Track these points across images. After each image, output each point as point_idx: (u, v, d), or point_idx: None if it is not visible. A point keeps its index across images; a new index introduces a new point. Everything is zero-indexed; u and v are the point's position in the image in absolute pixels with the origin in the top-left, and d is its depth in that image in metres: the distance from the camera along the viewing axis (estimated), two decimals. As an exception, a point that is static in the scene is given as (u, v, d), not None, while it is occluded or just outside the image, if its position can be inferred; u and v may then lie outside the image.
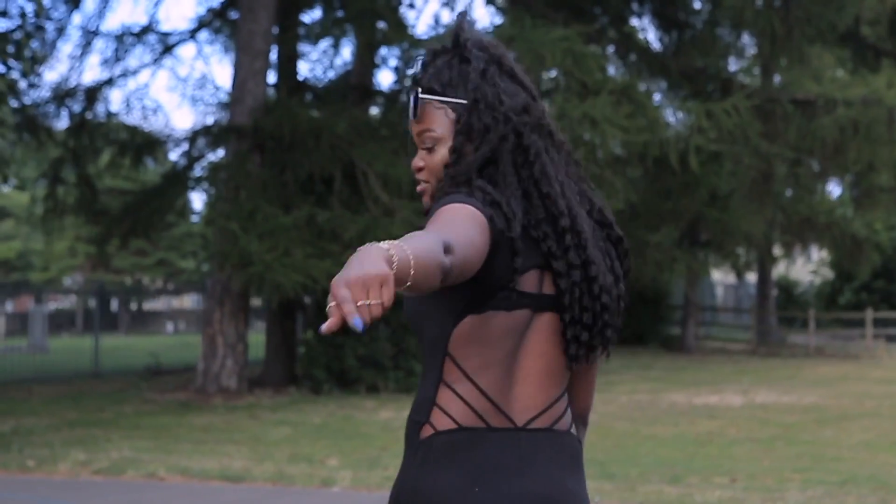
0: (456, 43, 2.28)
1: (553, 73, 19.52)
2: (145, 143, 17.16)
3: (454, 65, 2.27)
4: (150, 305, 51.76)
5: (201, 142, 17.39)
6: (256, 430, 12.49)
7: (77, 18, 36.19)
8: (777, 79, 23.79)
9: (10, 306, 41.82)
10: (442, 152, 2.24)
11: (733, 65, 22.77)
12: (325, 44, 19.67)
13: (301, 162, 15.85)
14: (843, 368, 21.63)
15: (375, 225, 14.99)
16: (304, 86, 17.93)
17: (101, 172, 19.41)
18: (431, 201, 2.25)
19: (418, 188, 2.29)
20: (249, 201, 15.04)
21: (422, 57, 2.31)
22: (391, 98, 18.28)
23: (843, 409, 14.07)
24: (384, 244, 1.74)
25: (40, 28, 15.27)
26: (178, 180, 17.15)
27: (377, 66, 19.68)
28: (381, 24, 17.24)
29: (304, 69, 21.28)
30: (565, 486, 2.15)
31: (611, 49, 21.19)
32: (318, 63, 20.07)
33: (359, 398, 15.57)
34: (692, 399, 15.58)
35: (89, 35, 18.68)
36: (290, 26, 17.41)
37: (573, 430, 2.23)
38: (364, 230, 14.99)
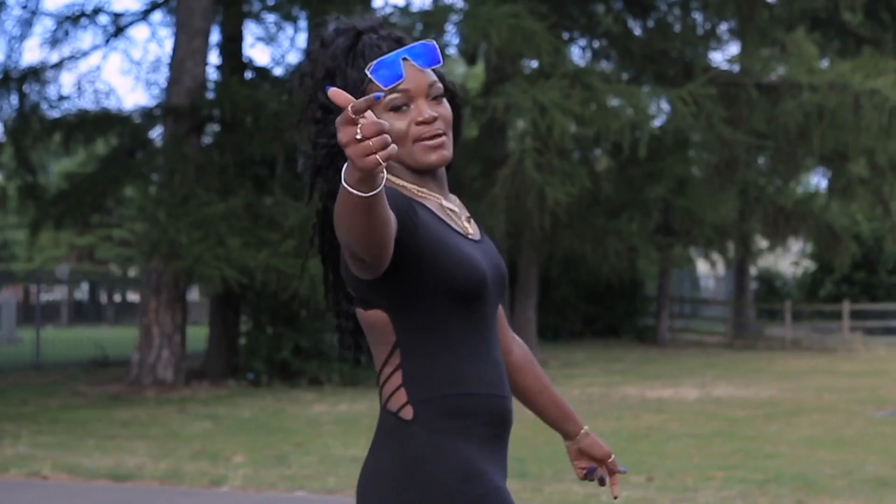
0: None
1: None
2: (77, 124, 16.48)
3: None
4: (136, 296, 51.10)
5: (144, 124, 16.74)
6: (177, 424, 11.90)
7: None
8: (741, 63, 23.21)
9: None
10: (447, 108, 2.22)
11: (706, 50, 22.08)
12: (274, 23, 19.03)
13: (241, 144, 15.24)
14: (815, 362, 21.03)
15: (318, 211, 14.39)
16: (249, 66, 17.26)
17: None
18: (450, 158, 2.23)
19: (436, 141, 2.19)
20: (184, 186, 14.40)
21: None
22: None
23: (799, 403, 13.47)
24: None
25: None
26: (115, 164, 16.46)
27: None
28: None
29: (262, 52, 20.63)
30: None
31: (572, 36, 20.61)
32: (268, 43, 19.45)
33: (300, 391, 14.97)
34: (646, 392, 14.99)
35: (31, 14, 18.02)
36: (233, 4, 16.75)
37: (389, 406, 2.16)
38: (306, 218, 14.38)
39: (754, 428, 11.19)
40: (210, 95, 15.95)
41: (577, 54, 21.78)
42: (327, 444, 10.18)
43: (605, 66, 20.78)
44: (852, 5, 20.90)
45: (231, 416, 12.48)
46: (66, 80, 47.24)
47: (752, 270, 37.82)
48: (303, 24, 19.39)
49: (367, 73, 2.11)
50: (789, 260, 40.36)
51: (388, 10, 21.28)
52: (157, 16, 20.38)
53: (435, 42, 2.21)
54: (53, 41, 17.72)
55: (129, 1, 69.18)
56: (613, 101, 16.68)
